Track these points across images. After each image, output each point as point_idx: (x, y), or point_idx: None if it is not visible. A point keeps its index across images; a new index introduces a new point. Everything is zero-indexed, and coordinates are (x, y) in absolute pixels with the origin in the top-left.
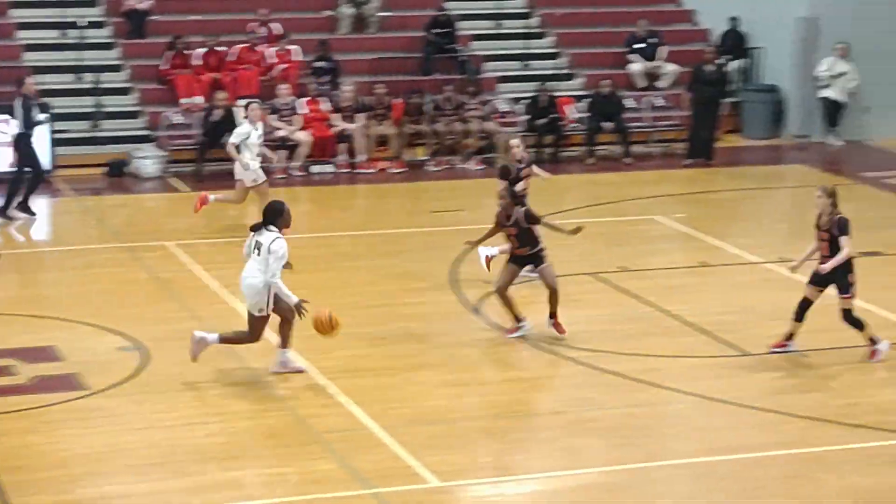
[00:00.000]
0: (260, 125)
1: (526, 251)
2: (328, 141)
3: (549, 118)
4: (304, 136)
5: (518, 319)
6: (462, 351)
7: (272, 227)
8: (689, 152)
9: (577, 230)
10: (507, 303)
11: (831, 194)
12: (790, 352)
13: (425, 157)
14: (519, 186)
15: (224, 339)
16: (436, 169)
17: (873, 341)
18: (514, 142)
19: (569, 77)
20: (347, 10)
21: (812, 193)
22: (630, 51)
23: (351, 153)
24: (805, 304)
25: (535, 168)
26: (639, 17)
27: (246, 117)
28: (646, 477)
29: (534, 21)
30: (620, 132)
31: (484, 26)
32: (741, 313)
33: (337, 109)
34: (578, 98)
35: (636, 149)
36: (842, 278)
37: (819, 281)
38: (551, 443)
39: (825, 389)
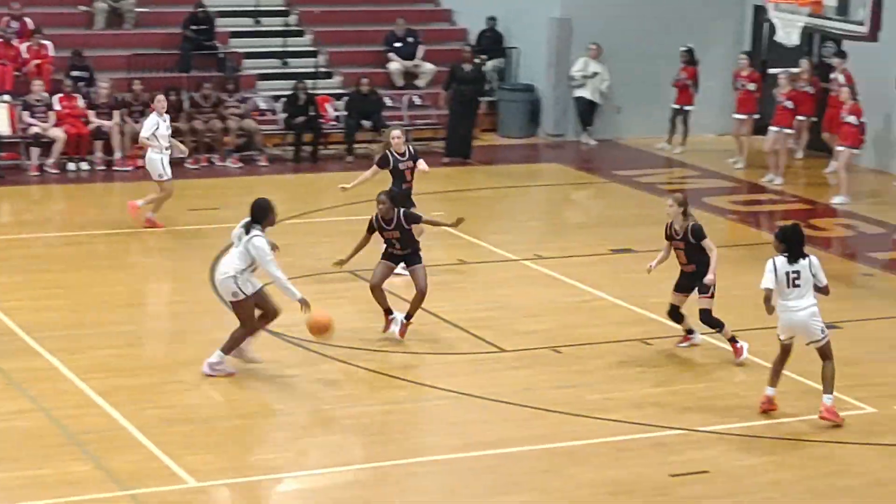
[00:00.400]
0: (167, 116)
1: (406, 252)
2: (84, 138)
3: (308, 116)
4: (58, 133)
5: (388, 312)
6: None
7: (256, 225)
8: (447, 150)
9: (458, 222)
10: (379, 298)
11: (682, 203)
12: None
13: (183, 156)
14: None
15: (227, 350)
16: (194, 167)
17: (690, 331)
18: (396, 133)
19: (328, 75)
20: (102, 5)
21: (566, 191)
22: (388, 50)
23: (107, 151)
24: (674, 309)
25: (422, 163)
26: (397, 17)
27: (153, 109)
28: (404, 473)
29: (292, 19)
30: (379, 131)
31: (243, 23)
32: (498, 310)
33: (93, 106)
34: (337, 96)
35: None
36: (702, 281)
37: (683, 287)
38: (309, 440)
39: (580, 385)
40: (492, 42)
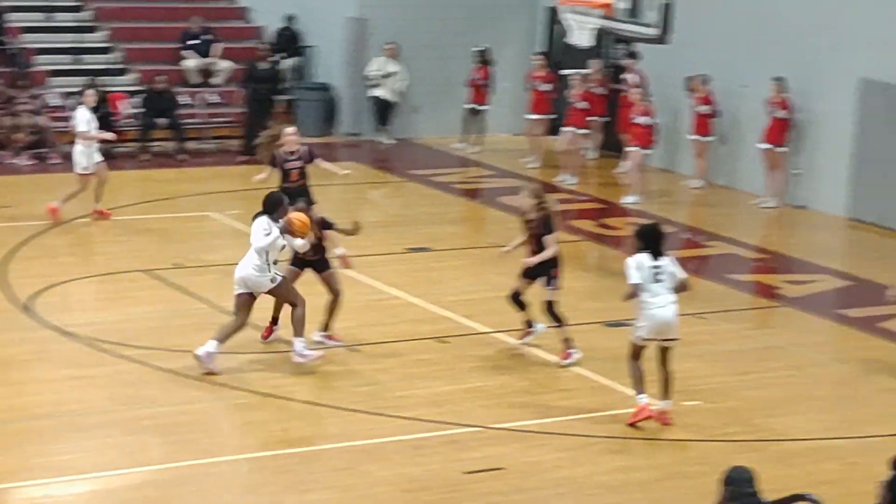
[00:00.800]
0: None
1: (317, 257)
2: None
3: (101, 114)
4: None
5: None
6: (10, 350)
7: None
8: (243, 149)
9: (354, 228)
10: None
11: (537, 194)
12: (338, 346)
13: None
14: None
15: (300, 332)
16: None
17: (530, 324)
18: (289, 130)
19: (122, 72)
20: None
21: (362, 190)
22: (184, 47)
23: None
24: (516, 295)
25: (323, 162)
26: (193, 14)
27: (82, 103)
28: (202, 473)
29: (86, 14)
30: (175, 128)
31: (34, 18)
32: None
33: None
34: (132, 94)
35: (191, 145)
36: (548, 272)
37: (528, 274)
38: (105, 441)
39: (376, 383)
40: (289, 40)
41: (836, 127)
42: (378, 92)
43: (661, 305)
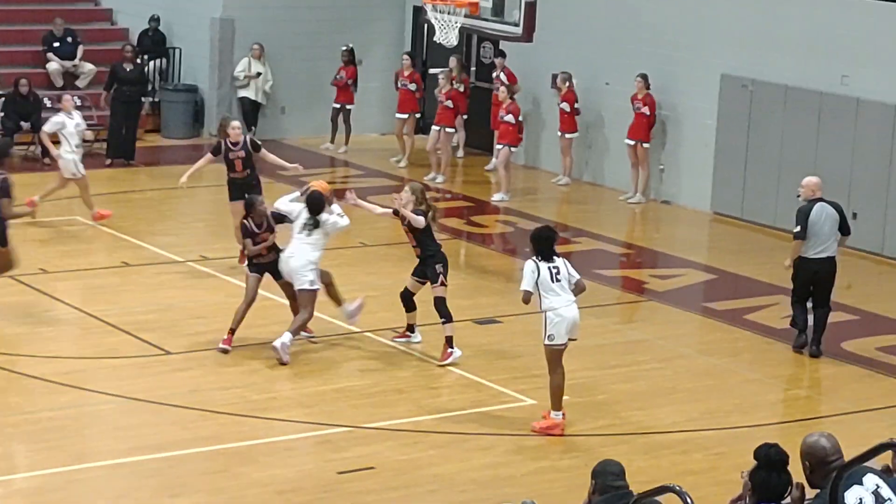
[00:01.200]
0: (76, 114)
1: (272, 257)
2: None
3: None
4: None
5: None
6: None
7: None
8: (108, 152)
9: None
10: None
11: (417, 192)
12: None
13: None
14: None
15: (295, 332)
16: None
17: (412, 329)
18: (234, 123)
19: None
20: None
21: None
22: (47, 49)
23: None
24: (407, 294)
25: (269, 155)
26: (55, 16)
27: (60, 109)
28: (73, 479)
29: None
30: (38, 132)
31: None
32: (163, 312)
33: None
34: None
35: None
36: (431, 268)
37: (416, 272)
38: None
39: (246, 385)
40: (154, 42)
41: (699, 122)
42: (245, 93)
43: (566, 305)
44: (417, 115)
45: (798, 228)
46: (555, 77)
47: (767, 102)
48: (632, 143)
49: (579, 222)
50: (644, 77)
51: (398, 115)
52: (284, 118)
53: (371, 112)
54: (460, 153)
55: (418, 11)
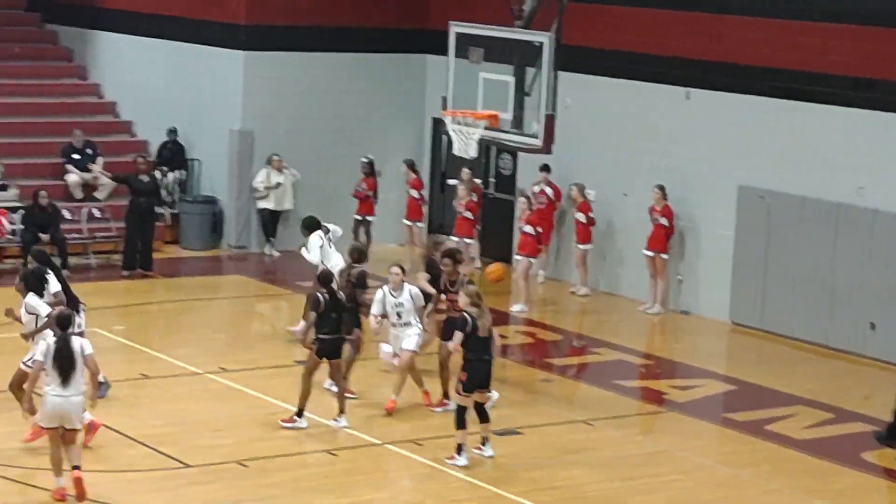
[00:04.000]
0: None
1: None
2: None
3: None
4: None
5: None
6: None
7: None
8: (124, 264)
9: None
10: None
11: (473, 295)
12: None
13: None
14: None
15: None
16: None
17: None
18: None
19: (2, 188)
20: None
21: (249, 303)
22: (66, 161)
23: None
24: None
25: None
26: (74, 128)
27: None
28: None
29: None
30: (57, 244)
31: None
32: (181, 424)
33: None
34: (13, 209)
35: (74, 260)
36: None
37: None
38: None
39: (266, 498)
40: (173, 154)
41: (717, 233)
42: (264, 204)
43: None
44: (420, 224)
45: None
46: (569, 188)
47: (784, 213)
48: (650, 254)
49: (598, 333)
50: (661, 188)
51: (405, 222)
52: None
53: (389, 223)
54: (477, 264)
55: (437, 123)
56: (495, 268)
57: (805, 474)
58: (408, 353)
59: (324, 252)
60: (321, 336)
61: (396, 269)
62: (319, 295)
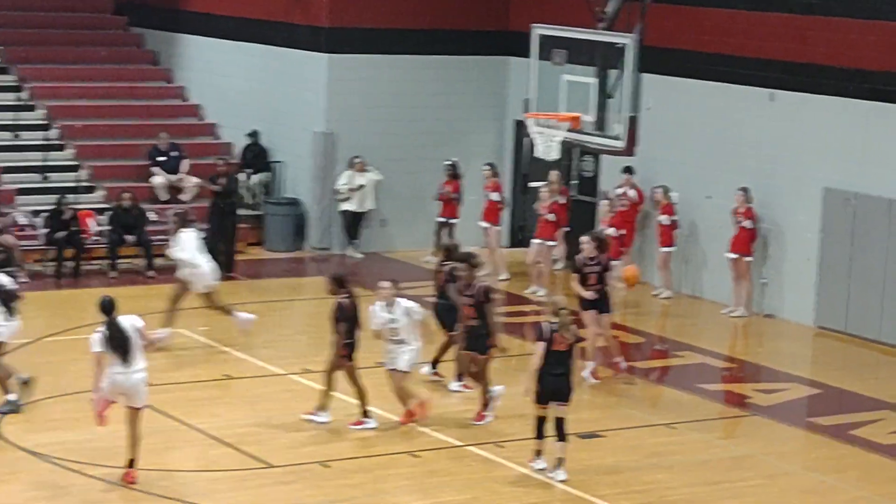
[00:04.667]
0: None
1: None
2: None
3: (70, 231)
4: None
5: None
6: None
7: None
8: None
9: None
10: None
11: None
12: None
13: None
14: None
15: None
16: None
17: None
18: (584, 238)
19: (90, 189)
20: None
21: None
22: (152, 164)
23: None
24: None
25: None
26: (160, 130)
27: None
28: None
29: (53, 133)
30: (143, 245)
31: (1, 137)
32: (264, 425)
33: None
34: (100, 211)
35: (159, 262)
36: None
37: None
38: None
39: (348, 499)
40: (256, 156)
41: (801, 236)
42: (347, 206)
43: None
44: (497, 228)
45: None
46: (653, 191)
47: (871, 216)
48: (734, 256)
49: (681, 336)
50: (745, 190)
51: (482, 225)
52: (387, 231)
53: (472, 225)
54: (560, 265)
55: (519, 125)
56: (630, 272)
57: (893, 481)
58: (399, 374)
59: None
60: (349, 342)
61: (386, 284)
62: (343, 301)
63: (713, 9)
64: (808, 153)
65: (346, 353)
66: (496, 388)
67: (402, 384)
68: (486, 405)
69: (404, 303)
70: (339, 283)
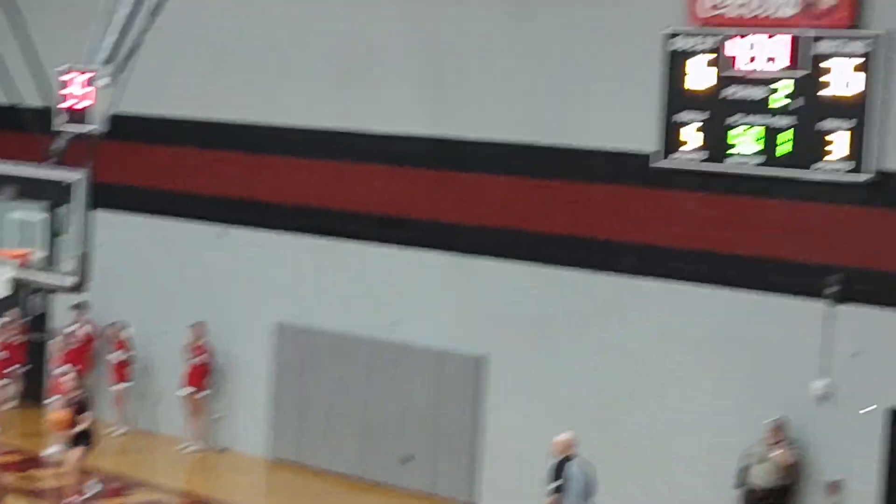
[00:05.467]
0: None
1: None
2: None
3: None
4: None
5: None
6: None
7: None
8: None
9: None
10: None
11: None
12: None
13: None
14: None
15: None
16: None
17: None
18: None
19: None
20: None
21: None
22: None
23: None
24: None
25: None
26: None
27: None
28: None
29: None
30: None
31: None
32: None
33: None
34: None
35: None
36: None
37: None
38: None
39: None
40: None
41: (255, 370)
42: None
43: None
44: None
45: None
46: (106, 327)
47: (320, 350)
48: (188, 391)
49: (137, 472)
50: (198, 325)
51: None
52: None
53: None
54: (13, 404)
55: None
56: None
57: None
58: None
59: None
60: None
61: None
62: None
63: (164, 146)
64: (259, 288)
65: None
66: None
67: None
68: None
69: None
70: None
